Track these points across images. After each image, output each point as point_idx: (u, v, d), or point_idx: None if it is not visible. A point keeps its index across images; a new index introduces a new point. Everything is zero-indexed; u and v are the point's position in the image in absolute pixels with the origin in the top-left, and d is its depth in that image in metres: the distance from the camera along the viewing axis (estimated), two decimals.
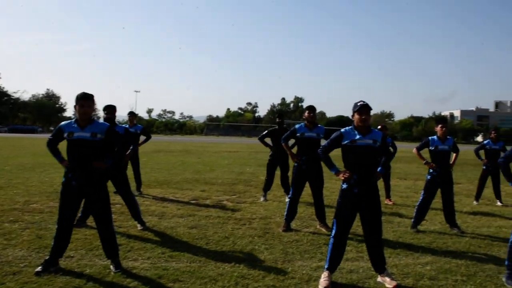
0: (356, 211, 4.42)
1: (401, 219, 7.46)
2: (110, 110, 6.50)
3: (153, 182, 11.17)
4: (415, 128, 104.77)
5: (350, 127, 4.50)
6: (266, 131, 9.09)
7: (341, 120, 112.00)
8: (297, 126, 6.68)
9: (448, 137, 7.05)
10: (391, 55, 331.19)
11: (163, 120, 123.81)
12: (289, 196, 6.67)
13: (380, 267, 4.44)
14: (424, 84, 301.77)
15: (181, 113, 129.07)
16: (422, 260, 5.17)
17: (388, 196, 9.24)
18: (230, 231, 6.25)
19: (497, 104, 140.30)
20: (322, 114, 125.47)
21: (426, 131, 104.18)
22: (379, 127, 8.28)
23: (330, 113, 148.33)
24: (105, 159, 4.56)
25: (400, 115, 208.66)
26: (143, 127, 9.58)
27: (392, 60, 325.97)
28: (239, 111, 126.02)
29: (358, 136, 4.38)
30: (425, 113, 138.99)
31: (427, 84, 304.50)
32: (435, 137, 7.01)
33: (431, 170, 6.94)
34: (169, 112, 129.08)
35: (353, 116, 4.46)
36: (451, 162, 7.13)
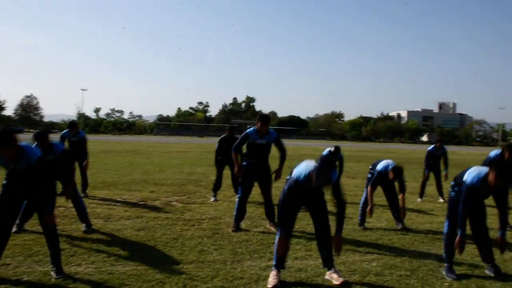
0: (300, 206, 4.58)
1: (349, 218, 7.59)
2: (40, 138, 5.80)
3: (99, 183, 10.81)
4: (364, 128, 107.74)
5: None
6: (218, 145, 9.22)
7: (292, 120, 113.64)
8: (248, 131, 6.52)
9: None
10: (336, 57, 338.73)
11: (112, 119, 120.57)
12: (238, 195, 6.65)
13: (328, 262, 4.51)
14: (372, 85, 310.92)
15: (130, 113, 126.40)
16: (369, 256, 5.30)
17: None
18: (179, 232, 6.15)
19: (441, 106, 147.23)
20: (274, 114, 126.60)
21: (374, 131, 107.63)
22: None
23: (282, 113, 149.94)
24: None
25: (349, 115, 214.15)
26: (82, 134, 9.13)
27: (340, 62, 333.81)
28: (190, 110, 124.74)
29: None
30: (374, 113, 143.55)
31: (374, 85, 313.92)
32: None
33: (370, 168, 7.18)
34: (117, 111, 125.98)
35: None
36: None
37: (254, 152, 6.46)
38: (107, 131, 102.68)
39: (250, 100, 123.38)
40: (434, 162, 10.43)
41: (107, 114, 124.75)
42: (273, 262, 4.45)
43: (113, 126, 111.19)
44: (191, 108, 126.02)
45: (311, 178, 4.23)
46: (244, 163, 6.57)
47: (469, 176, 4.63)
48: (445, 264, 4.81)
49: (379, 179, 6.83)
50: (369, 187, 6.82)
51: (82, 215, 6.11)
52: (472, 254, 5.48)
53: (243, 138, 6.50)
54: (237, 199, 6.64)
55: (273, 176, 6.57)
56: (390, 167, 6.69)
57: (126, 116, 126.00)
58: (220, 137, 9.35)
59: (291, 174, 4.58)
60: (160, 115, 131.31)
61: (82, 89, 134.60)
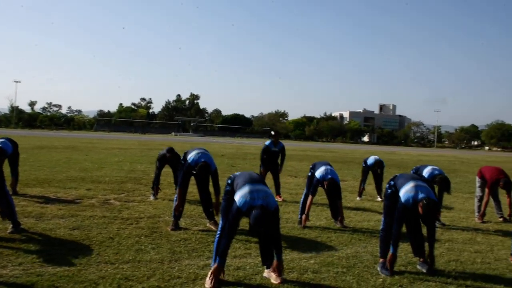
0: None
1: (289, 216, 7.68)
2: None
3: (32, 180, 10.27)
4: (308, 128, 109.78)
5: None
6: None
7: (237, 118, 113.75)
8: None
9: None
10: (285, 56, 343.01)
11: (48, 114, 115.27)
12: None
13: (269, 261, 4.50)
14: (316, 86, 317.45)
15: (69, 107, 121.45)
16: (307, 254, 5.36)
17: (278, 193, 9.49)
18: (116, 231, 5.94)
19: (381, 107, 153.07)
20: (218, 112, 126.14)
21: (317, 131, 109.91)
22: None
23: (226, 111, 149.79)
24: None
25: (293, 115, 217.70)
26: None
27: (285, 63, 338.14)
28: (133, 106, 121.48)
29: None
30: (317, 113, 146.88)
31: (318, 86, 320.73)
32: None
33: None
34: (55, 105, 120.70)
35: None
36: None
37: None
38: (43, 126, 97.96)
39: (194, 97, 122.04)
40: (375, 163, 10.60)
41: (43, 108, 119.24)
42: (212, 262, 4.39)
43: (49, 121, 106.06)
44: (133, 104, 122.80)
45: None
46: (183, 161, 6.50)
47: (404, 196, 4.81)
48: (380, 261, 4.97)
49: (318, 185, 6.98)
50: (309, 197, 6.94)
51: (9, 213, 5.73)
52: (406, 250, 5.69)
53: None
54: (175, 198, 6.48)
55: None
56: (328, 177, 6.80)
57: (64, 110, 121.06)
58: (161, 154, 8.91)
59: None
60: (100, 111, 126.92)
61: (15, 81, 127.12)
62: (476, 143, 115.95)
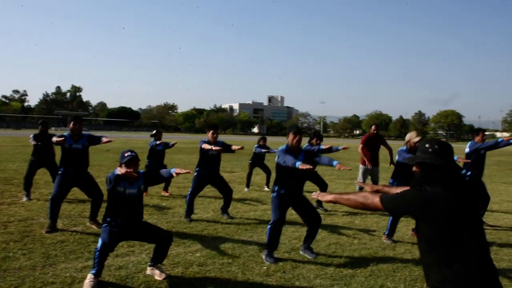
0: None
1: (175, 210, 7.54)
2: None
3: None
4: (198, 120, 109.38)
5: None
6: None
7: (123, 111, 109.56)
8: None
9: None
10: (170, 51, 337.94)
11: None
12: (51, 196, 6.00)
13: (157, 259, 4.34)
14: (206, 78, 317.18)
15: None
16: (193, 248, 5.30)
17: (165, 188, 9.27)
18: None
19: (270, 99, 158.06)
20: (103, 105, 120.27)
21: (208, 123, 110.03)
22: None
23: (112, 104, 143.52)
24: None
25: (183, 107, 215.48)
26: None
27: (173, 54, 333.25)
28: (3, 99, 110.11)
29: None
30: (207, 105, 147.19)
31: (208, 78, 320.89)
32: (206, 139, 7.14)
33: (197, 169, 7.12)
34: None
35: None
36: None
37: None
38: None
39: (76, 89, 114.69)
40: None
41: None
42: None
43: None
44: (4, 96, 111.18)
45: None
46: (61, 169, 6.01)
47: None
48: (266, 250, 5.06)
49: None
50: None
51: None
52: (289, 237, 5.90)
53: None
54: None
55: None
56: None
57: None
58: (33, 134, 8.27)
59: None
60: None
61: None
62: (358, 132, 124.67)
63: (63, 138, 5.84)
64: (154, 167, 8.84)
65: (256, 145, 10.58)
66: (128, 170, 4.00)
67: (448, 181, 2.34)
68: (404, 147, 6.12)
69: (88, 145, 6.12)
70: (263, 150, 10.20)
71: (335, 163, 4.82)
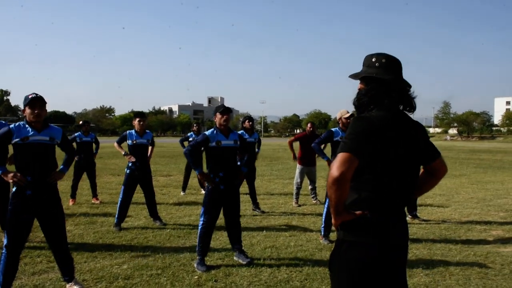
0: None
1: (105, 218, 7.13)
2: None
3: None
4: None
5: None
6: None
7: (56, 115, 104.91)
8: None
9: (147, 131, 7.14)
10: (105, 54, 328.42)
11: None
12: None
13: (68, 274, 4.00)
14: (144, 80, 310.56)
15: None
16: (120, 259, 4.97)
17: (95, 195, 8.80)
18: None
19: (210, 100, 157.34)
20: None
21: (147, 125, 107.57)
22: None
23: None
24: None
25: (120, 110, 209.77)
26: None
27: (109, 57, 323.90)
28: None
29: None
30: (146, 108, 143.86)
31: (146, 80, 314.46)
32: (132, 131, 6.95)
33: (130, 164, 6.84)
34: None
35: (24, 111, 3.91)
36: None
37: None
38: None
39: (3, 93, 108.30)
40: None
41: None
42: None
43: None
44: None
45: None
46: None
47: None
48: (197, 257, 4.83)
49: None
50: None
51: None
52: (224, 242, 5.69)
53: None
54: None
55: None
56: None
57: None
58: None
59: None
60: None
61: None
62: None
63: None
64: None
65: (190, 133, 10.52)
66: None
67: (395, 98, 2.18)
68: (338, 128, 6.16)
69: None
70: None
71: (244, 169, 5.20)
